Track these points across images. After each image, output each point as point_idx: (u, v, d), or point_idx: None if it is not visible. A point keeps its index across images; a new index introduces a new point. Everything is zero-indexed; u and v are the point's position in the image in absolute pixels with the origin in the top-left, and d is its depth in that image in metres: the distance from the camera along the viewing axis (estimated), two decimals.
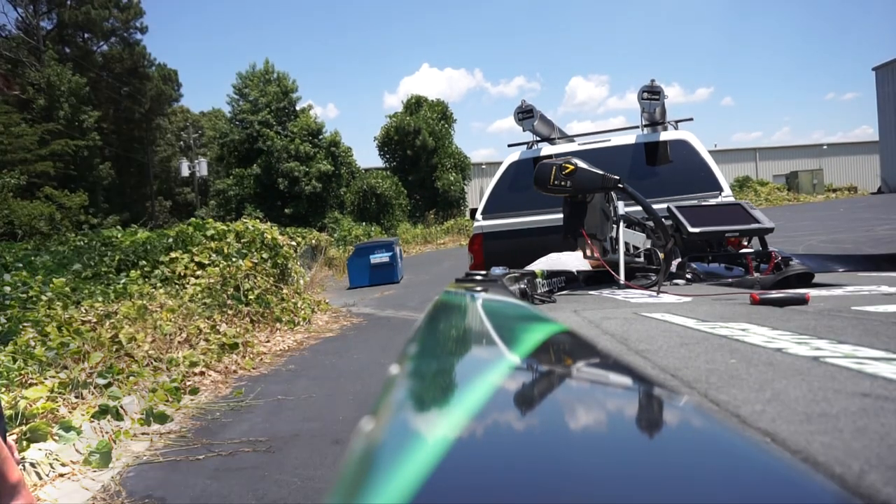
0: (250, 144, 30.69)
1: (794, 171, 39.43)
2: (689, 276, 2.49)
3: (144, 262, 8.37)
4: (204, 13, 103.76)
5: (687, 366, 0.73)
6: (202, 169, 34.84)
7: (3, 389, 3.92)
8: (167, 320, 6.29)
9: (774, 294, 1.48)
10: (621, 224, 2.53)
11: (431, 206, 33.00)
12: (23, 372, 4.24)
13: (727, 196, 4.15)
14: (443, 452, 0.29)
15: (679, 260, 2.51)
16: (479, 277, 1.48)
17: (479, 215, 4.78)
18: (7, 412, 3.70)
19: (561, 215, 2.49)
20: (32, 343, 4.71)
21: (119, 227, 13.45)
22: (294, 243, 11.12)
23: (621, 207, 2.62)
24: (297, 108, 32.50)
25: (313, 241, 19.96)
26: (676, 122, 4.85)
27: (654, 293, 1.96)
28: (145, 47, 36.30)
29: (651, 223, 2.66)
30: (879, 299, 1.38)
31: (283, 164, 30.00)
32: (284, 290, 9.02)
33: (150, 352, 5.54)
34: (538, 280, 2.13)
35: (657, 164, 4.51)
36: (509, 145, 5.24)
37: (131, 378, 4.95)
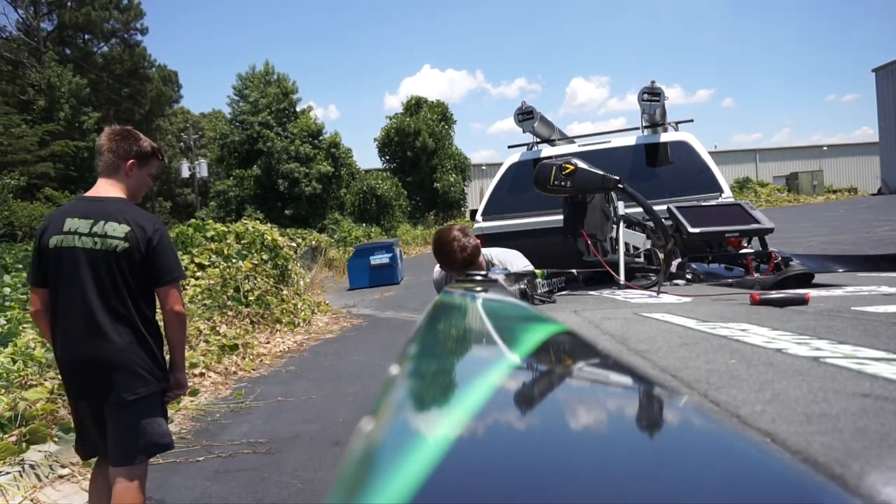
0: (250, 146, 30.72)
1: (794, 172, 39.44)
2: (689, 276, 2.50)
3: None
4: (204, 14, 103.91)
5: (687, 366, 0.73)
6: (202, 170, 34.85)
7: (3, 391, 3.92)
8: None
9: (774, 294, 1.48)
10: (621, 224, 2.53)
11: (431, 207, 33.01)
12: (22, 373, 4.23)
13: (727, 197, 4.15)
14: (443, 453, 0.29)
15: (679, 260, 2.51)
16: (478, 278, 1.48)
17: (479, 217, 4.78)
18: (6, 413, 3.70)
19: (561, 217, 2.50)
20: (32, 344, 4.71)
21: None
22: (294, 244, 11.13)
23: (621, 208, 2.62)
24: (298, 109, 32.54)
25: (313, 243, 19.98)
26: (677, 123, 4.85)
27: (654, 293, 1.96)
28: (145, 48, 36.36)
29: (651, 224, 2.66)
30: (879, 300, 1.38)
31: (284, 166, 30.01)
32: (284, 292, 9.02)
33: None
34: (538, 280, 2.13)
35: (657, 165, 4.51)
36: (509, 147, 5.25)
37: None
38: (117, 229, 2.16)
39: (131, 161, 2.25)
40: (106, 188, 2.27)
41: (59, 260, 2.17)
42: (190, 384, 5.36)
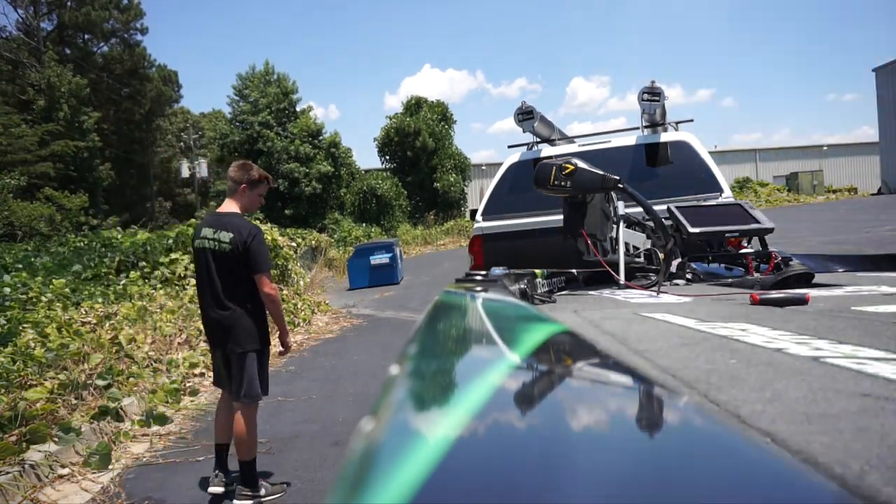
0: (250, 145, 30.70)
1: (795, 172, 39.42)
2: (689, 276, 2.50)
3: (144, 264, 8.37)
4: (204, 14, 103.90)
5: (687, 366, 0.73)
6: (202, 170, 34.87)
7: (3, 391, 3.92)
8: (167, 321, 6.29)
9: (774, 294, 1.48)
10: (621, 224, 2.53)
11: (431, 207, 32.99)
12: (22, 373, 4.23)
13: (727, 197, 4.15)
14: (442, 452, 0.29)
15: (679, 260, 2.51)
16: (479, 278, 1.48)
17: (479, 216, 4.78)
18: (7, 413, 3.70)
19: (561, 216, 2.49)
20: (32, 344, 4.71)
21: (119, 229, 13.46)
22: (294, 244, 11.13)
23: (621, 208, 2.62)
24: (297, 108, 32.53)
25: (313, 243, 19.97)
26: (677, 123, 4.84)
27: (654, 293, 1.96)
28: (145, 48, 36.35)
29: (651, 223, 2.66)
30: (879, 299, 1.38)
31: (283, 165, 30.00)
32: (284, 292, 9.02)
33: (149, 353, 5.54)
34: (538, 280, 2.13)
35: (657, 165, 4.51)
36: (509, 146, 5.24)
37: (131, 379, 4.94)
38: (225, 236, 3.12)
39: (244, 185, 3.25)
40: (227, 205, 3.29)
41: (198, 256, 3.24)
42: (189, 384, 5.40)
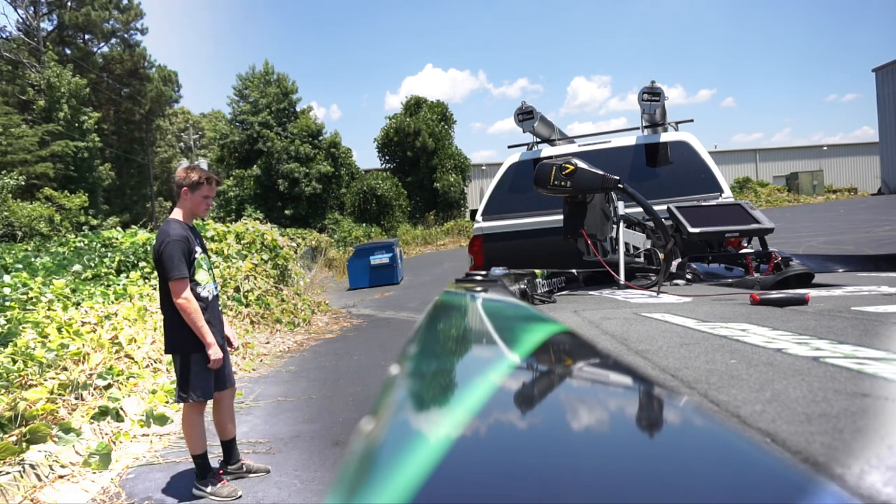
0: (250, 145, 30.70)
1: (795, 172, 39.42)
2: (689, 276, 2.50)
3: (144, 264, 8.36)
4: (205, 14, 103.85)
5: (687, 366, 0.73)
6: None
7: (3, 391, 3.92)
8: None
9: (774, 294, 1.48)
10: (621, 224, 2.53)
11: (431, 207, 32.98)
12: (22, 373, 4.23)
13: (727, 197, 4.15)
14: (442, 452, 0.29)
15: (679, 260, 2.51)
16: (479, 278, 1.48)
17: (479, 217, 4.78)
18: (7, 413, 3.70)
19: (561, 217, 2.49)
20: (32, 344, 4.71)
21: (119, 229, 13.45)
22: (294, 244, 11.13)
23: (621, 208, 2.62)
24: (297, 109, 32.53)
25: (313, 243, 19.97)
26: (677, 123, 4.85)
27: (654, 293, 1.96)
28: (145, 48, 36.38)
29: (651, 223, 2.66)
30: (879, 300, 1.38)
31: (283, 166, 30.00)
32: (284, 292, 9.02)
33: (149, 353, 5.54)
34: (538, 280, 2.13)
35: (657, 165, 4.51)
36: (509, 147, 5.25)
37: (131, 379, 4.94)
38: (154, 243, 3.20)
39: (184, 189, 3.22)
40: (174, 211, 3.30)
41: None
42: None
